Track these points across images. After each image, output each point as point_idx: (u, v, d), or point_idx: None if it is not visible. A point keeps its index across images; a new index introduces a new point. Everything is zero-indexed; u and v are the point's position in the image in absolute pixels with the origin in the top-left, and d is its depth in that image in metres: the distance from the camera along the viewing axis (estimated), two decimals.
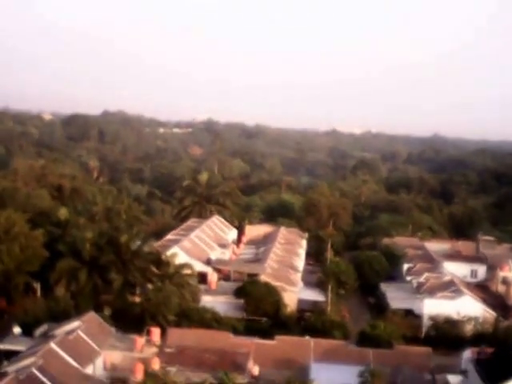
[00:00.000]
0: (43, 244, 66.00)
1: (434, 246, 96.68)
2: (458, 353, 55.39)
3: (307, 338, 56.09)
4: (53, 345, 46.32)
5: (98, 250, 64.14)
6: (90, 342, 50.04)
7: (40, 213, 78.92)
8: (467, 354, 52.24)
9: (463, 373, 49.09)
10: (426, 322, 67.11)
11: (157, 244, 75.08)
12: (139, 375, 46.96)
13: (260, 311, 63.83)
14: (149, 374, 46.65)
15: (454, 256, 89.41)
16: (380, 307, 74.23)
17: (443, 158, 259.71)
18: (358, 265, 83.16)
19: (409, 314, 69.41)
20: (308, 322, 62.75)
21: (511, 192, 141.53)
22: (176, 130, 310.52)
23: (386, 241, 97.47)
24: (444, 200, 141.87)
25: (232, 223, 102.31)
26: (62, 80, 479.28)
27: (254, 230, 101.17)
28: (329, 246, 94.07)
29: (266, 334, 57.45)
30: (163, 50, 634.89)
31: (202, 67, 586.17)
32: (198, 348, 51.06)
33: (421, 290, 74.31)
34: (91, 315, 53.95)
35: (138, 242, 66.61)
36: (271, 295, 65.17)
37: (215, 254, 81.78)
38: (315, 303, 69.25)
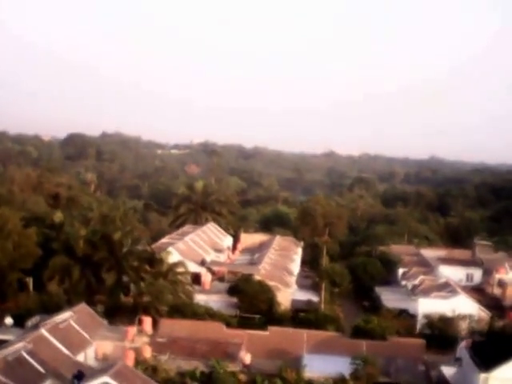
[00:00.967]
0: (37, 244, 65.87)
1: (430, 252, 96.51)
2: (453, 351, 54.97)
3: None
4: (43, 331, 46.03)
5: (91, 247, 64.03)
6: (82, 331, 49.76)
7: (35, 217, 78.88)
8: (462, 344, 51.90)
9: (457, 360, 48.70)
10: (420, 321, 66.65)
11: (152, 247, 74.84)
12: (130, 363, 46.56)
13: (254, 309, 63.40)
14: (139, 362, 46.41)
15: (450, 260, 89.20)
16: (375, 309, 73.71)
17: (440, 177, 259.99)
18: (353, 269, 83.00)
19: (403, 313, 69.09)
20: (301, 317, 62.35)
21: (509, 206, 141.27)
22: (174, 152, 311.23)
23: (381, 249, 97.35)
24: (441, 213, 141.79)
25: (227, 231, 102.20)
26: (59, 106, 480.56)
27: (250, 239, 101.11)
28: (324, 253, 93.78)
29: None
30: (161, 76, 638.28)
31: (200, 93, 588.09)
32: (190, 338, 50.80)
33: (416, 292, 74.03)
34: (83, 306, 53.73)
35: (131, 240, 66.48)
36: (265, 293, 64.83)
37: (210, 257, 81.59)
38: (309, 303, 68.82)
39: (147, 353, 47.96)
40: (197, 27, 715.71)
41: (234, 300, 65.26)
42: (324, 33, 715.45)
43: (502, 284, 78.13)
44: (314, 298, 71.03)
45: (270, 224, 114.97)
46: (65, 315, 50.42)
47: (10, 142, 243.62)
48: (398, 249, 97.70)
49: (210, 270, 75.34)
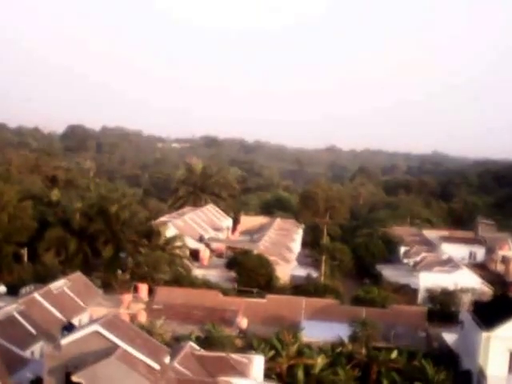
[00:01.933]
0: (33, 218, 64.99)
1: (432, 233, 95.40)
2: (455, 325, 53.73)
3: None
4: (36, 295, 45.21)
5: (87, 219, 63.19)
6: (76, 298, 48.91)
7: (32, 195, 77.97)
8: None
9: (459, 323, 47.64)
10: (422, 295, 65.55)
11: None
12: None
13: (252, 282, 62.25)
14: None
15: (453, 238, 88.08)
16: (375, 285, 72.62)
17: (443, 170, 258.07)
18: (355, 248, 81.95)
19: (405, 287, 67.99)
20: (301, 289, 61.29)
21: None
22: (175, 145, 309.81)
23: (383, 230, 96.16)
24: (444, 200, 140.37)
25: (227, 214, 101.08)
26: (60, 105, 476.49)
27: (250, 221, 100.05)
28: (325, 233, 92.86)
29: None
30: (160, 75, 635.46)
31: (200, 94, 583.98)
32: (186, 305, 49.85)
33: (417, 267, 72.96)
34: (78, 275, 52.92)
35: (129, 214, 65.59)
36: (264, 267, 63.78)
37: (209, 235, 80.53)
38: (309, 278, 67.75)
39: (142, 318, 46.95)
40: (204, 19, 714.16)
41: (233, 274, 64.25)
42: (330, 33, 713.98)
43: (505, 260, 77.08)
44: (314, 274, 69.95)
45: (271, 208, 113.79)
46: (59, 283, 49.59)
47: (10, 134, 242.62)
48: (400, 230, 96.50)
49: (208, 246, 74.32)
